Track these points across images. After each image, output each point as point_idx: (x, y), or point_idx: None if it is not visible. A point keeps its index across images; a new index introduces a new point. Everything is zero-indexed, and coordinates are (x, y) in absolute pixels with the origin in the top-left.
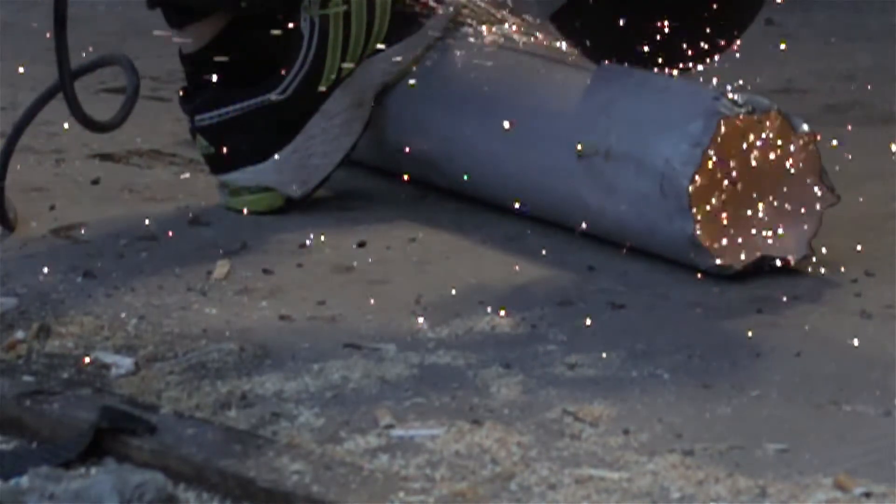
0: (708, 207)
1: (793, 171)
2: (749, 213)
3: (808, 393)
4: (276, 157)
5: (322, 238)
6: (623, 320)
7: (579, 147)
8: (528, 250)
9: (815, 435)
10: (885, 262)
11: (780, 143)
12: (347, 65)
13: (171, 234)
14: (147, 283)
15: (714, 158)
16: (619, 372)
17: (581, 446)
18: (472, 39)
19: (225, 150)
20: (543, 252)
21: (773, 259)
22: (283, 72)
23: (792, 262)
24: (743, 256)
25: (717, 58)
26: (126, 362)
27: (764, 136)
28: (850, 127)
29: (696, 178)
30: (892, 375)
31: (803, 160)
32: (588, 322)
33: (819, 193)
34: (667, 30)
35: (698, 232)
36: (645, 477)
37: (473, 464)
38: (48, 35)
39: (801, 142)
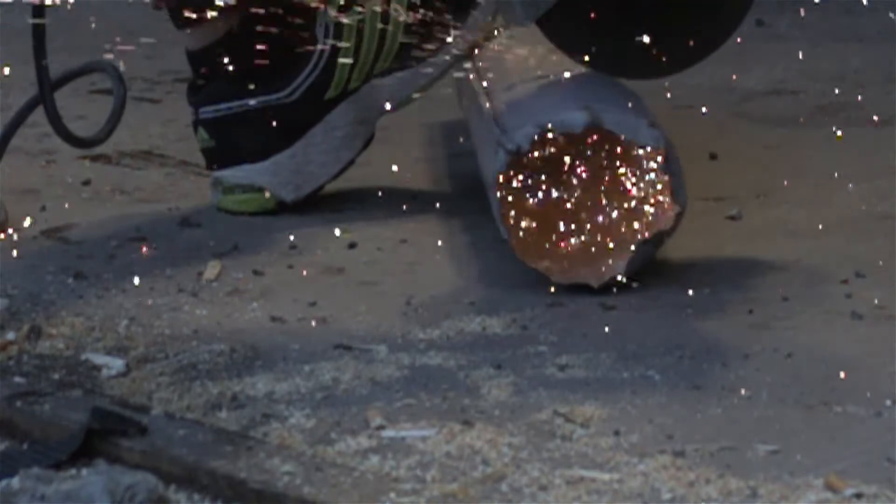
0: (546, 244)
1: (602, 155)
2: (591, 225)
3: (799, 394)
4: (275, 158)
5: (313, 239)
6: (614, 321)
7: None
8: None
9: (805, 436)
10: (876, 263)
11: (575, 148)
12: (356, 80)
13: (161, 235)
14: (138, 284)
15: (511, 200)
16: (610, 373)
17: (572, 447)
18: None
19: (225, 145)
20: None
21: (649, 241)
22: (293, 74)
23: (667, 236)
24: (612, 261)
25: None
26: (117, 363)
27: (550, 153)
28: (840, 128)
29: (518, 224)
30: (882, 377)
31: (600, 146)
32: (579, 323)
33: (644, 157)
34: (656, 34)
35: (552, 276)
36: (636, 478)
37: (464, 465)
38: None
39: (586, 133)
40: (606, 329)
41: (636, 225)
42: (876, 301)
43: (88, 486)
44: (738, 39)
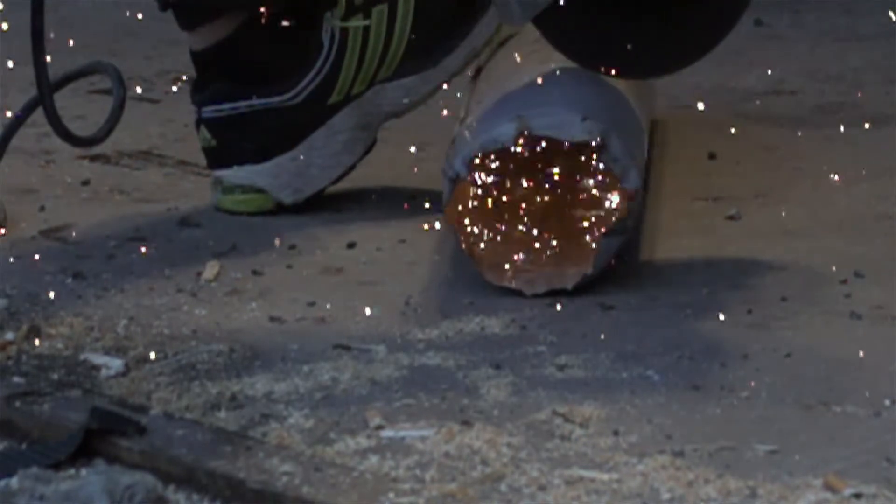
0: (516, 256)
1: (546, 158)
2: (550, 230)
3: (798, 394)
4: (276, 160)
5: (312, 239)
6: (613, 321)
7: None
8: None
9: (804, 436)
10: (875, 263)
11: (521, 158)
12: (359, 86)
13: (161, 235)
14: (137, 284)
15: (469, 226)
16: (609, 373)
17: (571, 447)
18: None
19: (226, 144)
20: None
21: (612, 231)
22: (297, 77)
23: (629, 222)
24: (580, 260)
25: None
26: (116, 363)
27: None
28: (840, 128)
29: (480, 248)
30: (881, 376)
31: (544, 151)
32: (577, 323)
33: (584, 150)
34: (650, 34)
35: (526, 289)
36: (635, 478)
37: (463, 465)
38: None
39: (526, 141)
40: (605, 329)
41: (593, 219)
42: (875, 301)
43: (87, 486)
44: (738, 39)
